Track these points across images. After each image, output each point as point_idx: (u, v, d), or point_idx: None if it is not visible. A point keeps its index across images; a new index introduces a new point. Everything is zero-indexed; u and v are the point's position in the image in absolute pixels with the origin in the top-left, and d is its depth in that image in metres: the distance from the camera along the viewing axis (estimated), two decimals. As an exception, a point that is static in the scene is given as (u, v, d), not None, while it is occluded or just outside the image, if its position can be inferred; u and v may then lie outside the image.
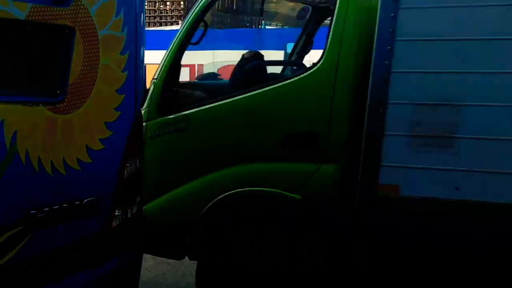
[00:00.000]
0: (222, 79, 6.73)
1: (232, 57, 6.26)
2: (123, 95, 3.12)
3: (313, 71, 4.26)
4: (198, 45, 4.70)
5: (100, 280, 3.10)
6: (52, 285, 2.83)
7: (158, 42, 9.38)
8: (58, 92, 2.79)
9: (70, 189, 2.89)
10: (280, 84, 4.33)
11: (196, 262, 4.67)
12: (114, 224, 3.14)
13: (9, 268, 2.62)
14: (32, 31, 2.71)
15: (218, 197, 4.34)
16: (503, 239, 3.88)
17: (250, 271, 4.43)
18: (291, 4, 6.73)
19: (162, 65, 4.48)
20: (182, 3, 15.00)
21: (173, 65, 4.47)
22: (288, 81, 4.37)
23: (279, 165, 4.32)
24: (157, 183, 4.46)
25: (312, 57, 5.32)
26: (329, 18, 4.53)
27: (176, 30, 11.42)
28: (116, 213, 3.15)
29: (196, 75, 10.72)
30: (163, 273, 5.81)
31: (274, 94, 4.30)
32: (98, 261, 3.08)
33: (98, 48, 2.93)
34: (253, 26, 17.73)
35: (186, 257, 4.73)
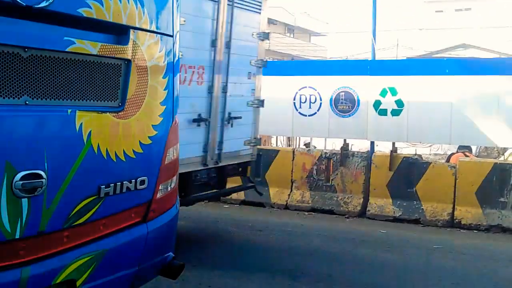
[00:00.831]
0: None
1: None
2: (164, 106, 3.31)
3: None
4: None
5: (152, 230, 3.26)
6: (117, 235, 3.02)
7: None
8: (120, 104, 2.98)
9: (128, 171, 3.07)
10: None
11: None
12: (159, 195, 3.31)
13: (87, 223, 2.82)
14: (102, 62, 2.87)
15: None
16: None
17: None
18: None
19: None
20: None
21: None
22: None
23: None
24: None
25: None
26: None
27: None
28: (160, 188, 3.31)
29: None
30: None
31: None
32: (150, 218, 3.26)
33: (147, 74, 3.12)
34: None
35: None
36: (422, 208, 8.55)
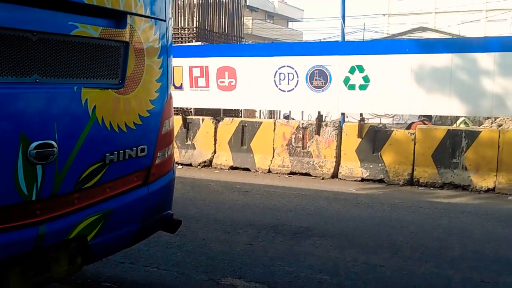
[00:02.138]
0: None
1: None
2: (160, 83, 3.28)
3: None
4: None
5: (152, 192, 3.26)
6: (122, 196, 3.02)
7: (178, 52, 9.72)
8: (120, 81, 2.95)
9: (130, 140, 3.05)
10: None
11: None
12: (157, 161, 3.30)
13: (96, 186, 2.83)
14: (103, 44, 2.83)
15: None
16: None
17: None
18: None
19: None
20: (194, 29, 15.07)
21: None
22: None
23: None
24: None
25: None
26: None
27: (190, 46, 11.69)
28: (158, 155, 3.30)
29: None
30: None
31: None
32: (150, 181, 3.25)
33: (144, 54, 3.08)
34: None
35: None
36: (386, 170, 8.64)
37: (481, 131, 8.32)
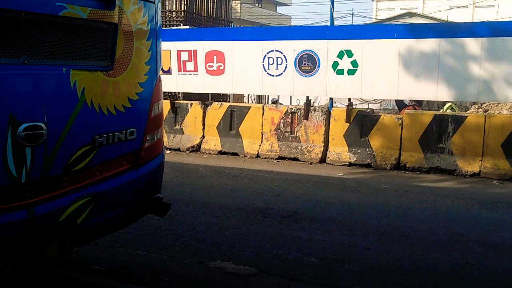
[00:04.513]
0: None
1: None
2: (149, 66, 3.26)
3: None
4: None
5: (142, 175, 3.26)
6: (111, 179, 3.01)
7: (166, 36, 9.65)
8: (109, 64, 2.92)
9: (119, 123, 3.04)
10: None
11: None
12: (146, 144, 3.29)
13: (85, 169, 2.82)
14: (91, 26, 2.80)
15: None
16: None
17: None
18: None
19: None
20: (182, 13, 14.99)
21: None
22: None
23: None
24: None
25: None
26: None
27: (178, 29, 11.58)
28: (147, 138, 3.29)
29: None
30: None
31: None
32: (140, 165, 3.25)
33: (133, 36, 3.06)
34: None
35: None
36: (374, 154, 8.71)
37: (467, 116, 8.41)
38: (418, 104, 12.25)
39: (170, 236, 4.78)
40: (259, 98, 17.03)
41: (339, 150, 8.98)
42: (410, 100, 11.69)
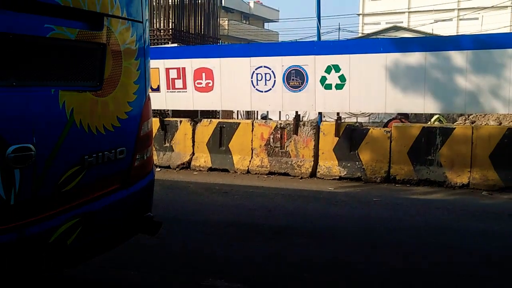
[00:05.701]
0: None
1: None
2: (138, 85, 3.28)
3: None
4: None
5: (132, 194, 3.27)
6: (101, 199, 3.01)
7: (155, 54, 9.70)
8: (98, 83, 2.94)
9: (108, 143, 3.04)
10: None
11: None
12: (136, 163, 3.30)
13: (74, 189, 2.80)
14: (80, 46, 2.82)
15: None
16: None
17: None
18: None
19: None
20: (170, 31, 15.09)
21: None
22: None
23: None
24: None
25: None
26: None
27: (166, 47, 11.61)
28: (137, 157, 3.30)
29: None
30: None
31: None
32: (130, 183, 3.26)
33: (121, 56, 3.08)
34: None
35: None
36: (363, 168, 8.75)
37: (455, 128, 8.49)
38: (405, 117, 12.35)
39: (161, 255, 4.75)
40: (248, 114, 17.07)
41: (329, 164, 9.01)
42: (397, 114, 11.78)
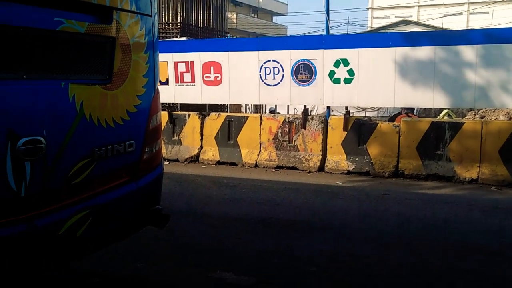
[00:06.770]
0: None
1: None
2: (147, 78, 3.28)
3: None
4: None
5: (141, 187, 3.27)
6: (111, 192, 3.03)
7: (163, 48, 9.70)
8: (107, 77, 2.95)
9: (117, 136, 3.05)
10: None
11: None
12: (145, 156, 3.31)
13: (84, 181, 2.83)
14: (89, 40, 2.83)
15: None
16: None
17: None
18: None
19: None
20: (179, 24, 15.14)
21: None
22: None
23: None
24: None
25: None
26: None
27: (175, 41, 11.60)
28: (146, 150, 3.31)
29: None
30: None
31: None
32: (139, 176, 3.27)
33: (130, 49, 3.08)
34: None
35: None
36: (372, 162, 8.72)
37: (464, 123, 8.44)
38: (411, 111, 12.28)
39: (169, 248, 4.77)
40: (257, 108, 17.06)
41: (337, 159, 8.99)
42: (402, 108, 11.72)
